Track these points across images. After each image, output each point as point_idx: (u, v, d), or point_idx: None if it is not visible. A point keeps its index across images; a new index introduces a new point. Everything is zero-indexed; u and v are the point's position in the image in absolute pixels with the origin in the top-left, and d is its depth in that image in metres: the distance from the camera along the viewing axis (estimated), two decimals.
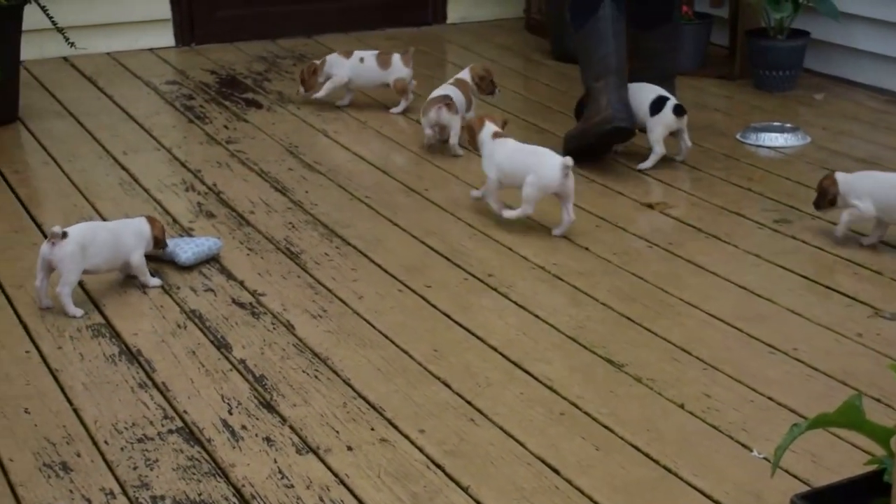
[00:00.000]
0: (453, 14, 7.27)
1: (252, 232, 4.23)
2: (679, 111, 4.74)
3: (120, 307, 3.67)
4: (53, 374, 3.27)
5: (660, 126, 4.76)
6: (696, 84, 5.98)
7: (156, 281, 3.80)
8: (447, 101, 4.88)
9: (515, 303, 3.69)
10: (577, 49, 4.83)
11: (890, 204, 3.98)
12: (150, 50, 6.59)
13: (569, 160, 4.06)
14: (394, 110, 5.51)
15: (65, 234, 3.57)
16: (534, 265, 3.96)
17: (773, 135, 5.15)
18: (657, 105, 4.74)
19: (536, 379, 3.24)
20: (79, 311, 3.60)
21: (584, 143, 4.73)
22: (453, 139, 4.92)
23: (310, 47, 6.72)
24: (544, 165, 4.10)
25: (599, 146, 4.80)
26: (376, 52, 5.52)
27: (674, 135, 4.82)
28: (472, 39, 6.88)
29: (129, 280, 3.82)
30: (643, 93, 4.79)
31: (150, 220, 3.84)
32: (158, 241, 3.82)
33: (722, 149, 5.07)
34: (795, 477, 2.79)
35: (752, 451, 2.92)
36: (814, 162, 4.91)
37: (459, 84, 5.10)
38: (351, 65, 5.45)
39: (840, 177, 4.07)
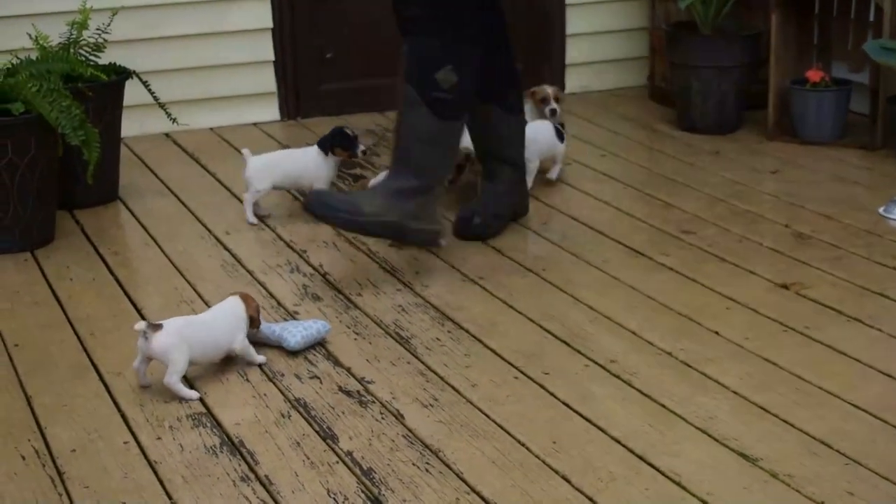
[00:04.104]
0: (572, 83, 7.30)
1: (360, 315, 4.26)
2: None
3: (221, 395, 3.72)
4: (152, 467, 3.32)
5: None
6: (834, 154, 5.93)
7: (261, 358, 3.88)
8: None
9: (640, 391, 3.67)
10: (431, 137, 4.49)
11: None
12: (255, 124, 6.72)
13: None
14: None
15: (159, 326, 3.65)
16: (659, 350, 3.93)
17: None
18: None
19: (663, 474, 3.21)
20: (194, 394, 3.67)
21: (393, 237, 4.62)
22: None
23: None
24: None
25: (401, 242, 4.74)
26: None
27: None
28: (594, 110, 6.89)
29: (230, 366, 3.87)
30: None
31: (244, 297, 3.90)
32: (253, 321, 3.88)
33: (863, 224, 5.01)
34: None
35: None
36: None
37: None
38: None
39: None
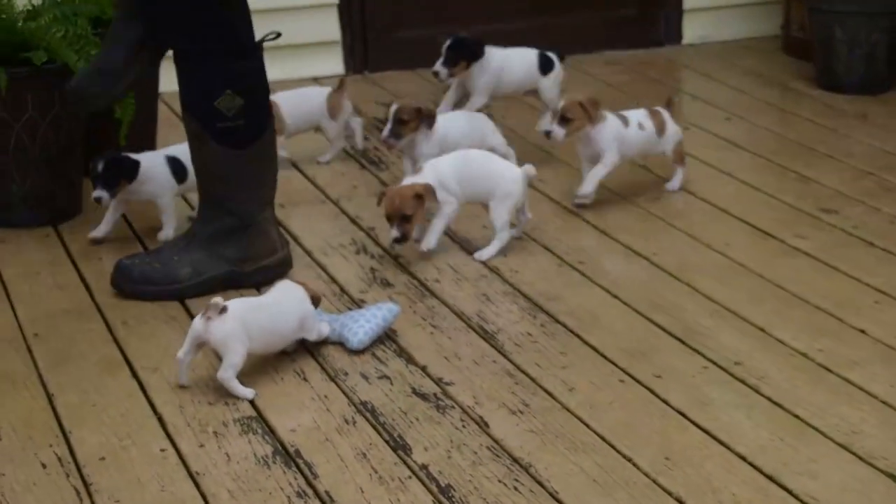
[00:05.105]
0: (691, 32, 7.27)
1: (437, 305, 4.28)
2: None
3: (274, 396, 3.75)
4: (194, 479, 3.34)
5: None
6: None
7: (325, 328, 3.97)
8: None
9: (769, 399, 3.65)
10: (231, 171, 4.37)
11: None
12: (314, 79, 6.74)
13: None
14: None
15: (224, 309, 3.70)
16: (793, 351, 3.91)
17: None
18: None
19: (797, 498, 3.19)
20: (251, 392, 3.72)
21: (229, 288, 4.40)
22: None
23: None
24: None
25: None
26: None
27: None
28: (715, 64, 6.86)
29: (285, 363, 3.91)
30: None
31: (299, 283, 3.99)
32: (316, 300, 3.97)
33: None
34: None
35: None
36: None
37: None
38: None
39: None
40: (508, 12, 7.06)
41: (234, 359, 3.70)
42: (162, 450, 3.49)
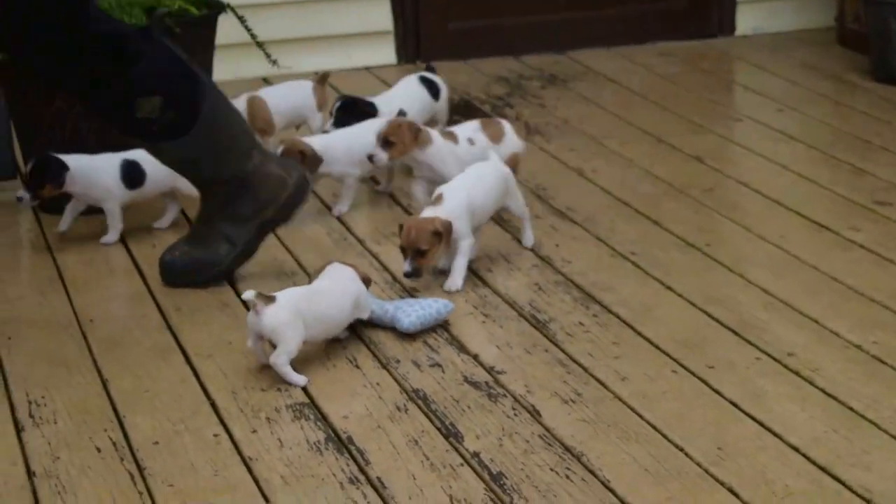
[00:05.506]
0: (744, 24, 7.25)
1: (489, 294, 4.29)
2: None
3: (327, 383, 3.76)
4: (246, 464, 3.36)
5: None
6: None
7: (375, 307, 4.01)
8: None
9: (822, 390, 3.64)
10: (196, 154, 4.33)
11: None
12: (367, 69, 6.76)
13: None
14: None
15: (272, 299, 3.71)
16: (847, 343, 3.90)
17: None
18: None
19: (851, 489, 3.18)
20: (303, 379, 3.74)
21: (272, 230, 4.51)
22: None
23: (562, 66, 6.79)
24: None
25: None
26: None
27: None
28: (768, 56, 6.83)
29: (337, 350, 3.93)
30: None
31: (347, 265, 4.03)
32: (367, 282, 4.03)
33: None
34: None
35: None
36: None
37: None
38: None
39: None
40: (559, 3, 7.05)
41: (289, 346, 3.72)
42: (215, 435, 3.51)
